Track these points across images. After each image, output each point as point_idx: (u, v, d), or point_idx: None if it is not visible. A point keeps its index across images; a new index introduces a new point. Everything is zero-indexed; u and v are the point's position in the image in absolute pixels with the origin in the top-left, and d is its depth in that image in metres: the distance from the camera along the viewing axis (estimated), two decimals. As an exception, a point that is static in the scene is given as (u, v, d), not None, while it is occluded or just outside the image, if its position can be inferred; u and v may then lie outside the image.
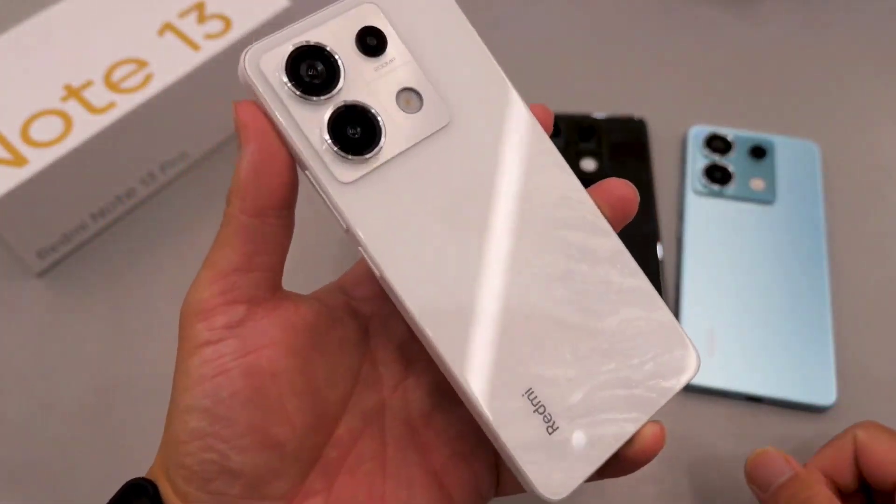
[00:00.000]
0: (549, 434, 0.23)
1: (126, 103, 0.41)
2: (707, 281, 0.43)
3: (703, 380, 0.40)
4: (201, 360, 0.23)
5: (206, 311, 0.23)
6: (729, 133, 0.48)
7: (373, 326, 0.27)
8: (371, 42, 0.24)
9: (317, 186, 0.23)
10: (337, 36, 0.23)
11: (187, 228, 0.45)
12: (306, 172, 0.23)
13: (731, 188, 0.46)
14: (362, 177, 0.23)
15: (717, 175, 0.46)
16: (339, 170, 0.23)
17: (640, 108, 0.50)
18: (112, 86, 0.42)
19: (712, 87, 0.53)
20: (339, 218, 0.23)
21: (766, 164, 0.47)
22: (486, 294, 0.24)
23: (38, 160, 0.39)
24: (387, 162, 0.23)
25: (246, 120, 0.22)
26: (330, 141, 0.23)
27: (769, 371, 0.40)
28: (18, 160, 0.39)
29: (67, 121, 0.41)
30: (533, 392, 0.24)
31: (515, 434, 0.23)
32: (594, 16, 0.57)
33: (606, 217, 0.26)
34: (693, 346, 0.26)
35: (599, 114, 0.50)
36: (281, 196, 0.23)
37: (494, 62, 0.26)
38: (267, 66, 0.22)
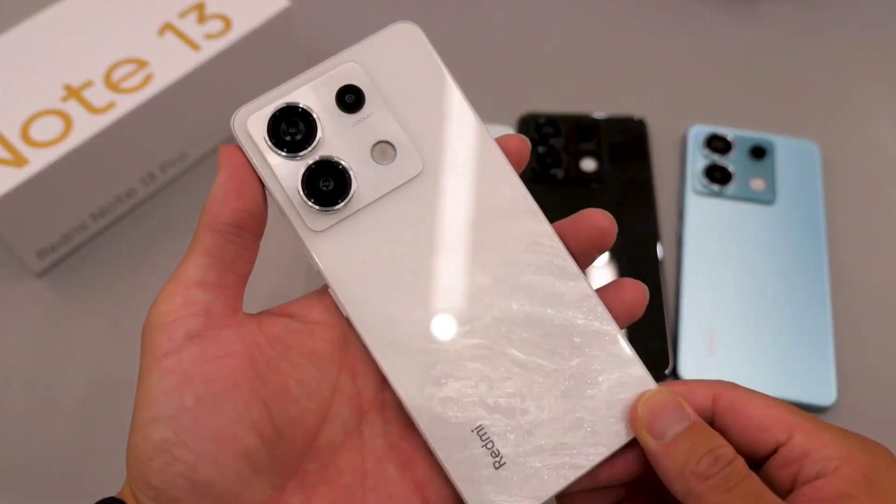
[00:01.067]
0: (496, 469, 0.25)
1: (126, 103, 0.41)
2: (707, 281, 0.43)
3: (703, 380, 0.40)
4: (162, 371, 0.23)
5: (166, 324, 0.24)
6: (729, 133, 0.48)
7: (352, 337, 0.27)
8: (349, 100, 0.26)
9: (293, 231, 0.25)
10: (318, 94, 0.26)
11: (187, 228, 0.45)
12: (285, 220, 0.25)
13: (731, 188, 0.46)
14: (332, 226, 0.25)
15: (717, 175, 0.46)
16: (311, 220, 0.25)
17: (640, 108, 0.50)
18: (112, 86, 0.42)
19: (712, 87, 0.53)
20: (310, 260, 0.26)
21: (766, 164, 0.47)
22: (444, 335, 0.26)
23: (38, 160, 0.39)
24: (356, 212, 0.25)
25: (225, 156, 0.25)
26: (303, 195, 0.25)
27: (769, 371, 0.40)
28: (18, 160, 0.39)
29: (67, 121, 0.41)
30: (483, 429, 0.25)
31: (462, 467, 0.25)
32: (594, 16, 0.57)
33: (581, 251, 0.27)
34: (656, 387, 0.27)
35: (599, 114, 0.50)
36: (242, 218, 0.25)
37: (469, 109, 0.27)
38: (253, 127, 0.25)
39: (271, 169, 0.25)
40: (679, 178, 0.48)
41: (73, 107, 0.41)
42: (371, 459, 0.26)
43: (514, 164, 0.27)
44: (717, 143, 0.48)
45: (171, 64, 0.43)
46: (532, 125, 0.49)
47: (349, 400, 0.26)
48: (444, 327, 0.26)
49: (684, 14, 0.57)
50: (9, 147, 0.40)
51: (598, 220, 0.27)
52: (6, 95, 0.42)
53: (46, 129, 0.40)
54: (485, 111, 0.52)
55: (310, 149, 0.25)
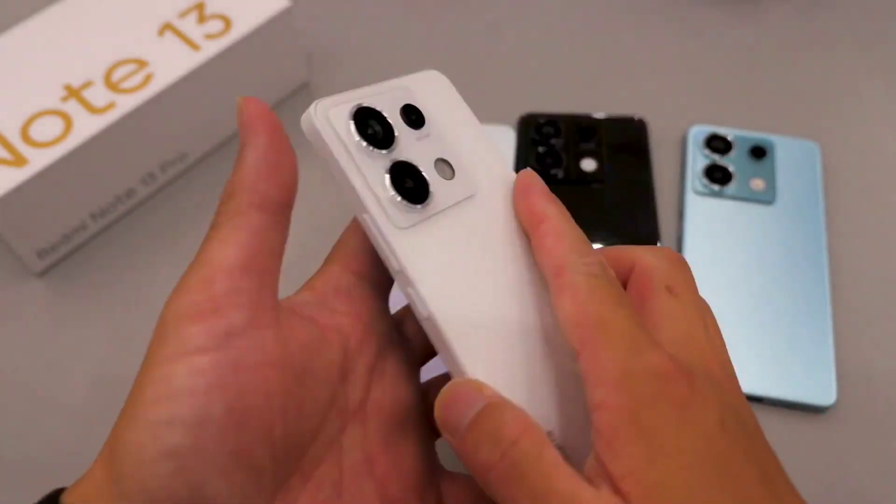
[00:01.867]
0: None
1: (126, 103, 0.41)
2: (707, 281, 0.43)
3: (703, 380, 0.40)
4: (193, 369, 0.20)
5: (203, 314, 0.21)
6: (729, 133, 0.48)
7: (350, 346, 0.25)
8: (413, 116, 0.27)
9: (373, 228, 0.25)
10: (387, 105, 0.26)
11: (187, 228, 0.45)
12: (363, 216, 0.25)
13: (731, 188, 0.46)
14: (415, 224, 0.25)
15: (717, 175, 0.47)
16: (396, 216, 0.25)
17: (640, 108, 0.50)
18: (112, 86, 0.42)
19: (712, 87, 0.53)
20: (390, 258, 0.25)
21: (766, 164, 0.47)
22: (515, 341, 0.26)
23: (38, 160, 0.39)
24: (435, 214, 0.26)
25: (254, 115, 0.22)
26: (392, 189, 0.25)
27: (769, 371, 0.40)
28: (18, 160, 0.39)
29: (67, 121, 0.41)
30: (552, 435, 0.24)
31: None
32: (594, 16, 0.57)
33: None
34: None
35: (599, 114, 0.50)
36: (290, 195, 0.23)
37: (494, 146, 0.29)
38: (336, 118, 0.25)
39: (355, 162, 0.25)
40: (679, 178, 0.48)
41: (73, 107, 0.41)
42: (348, 474, 0.25)
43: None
44: (717, 143, 0.48)
45: (171, 64, 0.43)
46: (532, 125, 0.49)
47: (338, 413, 0.25)
48: (517, 333, 0.26)
49: (684, 14, 0.57)
50: (9, 147, 0.40)
51: None
52: (6, 95, 0.42)
53: (46, 129, 0.40)
54: (486, 111, 0.52)
55: (391, 149, 0.25)
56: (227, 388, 0.21)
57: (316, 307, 0.25)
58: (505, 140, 0.48)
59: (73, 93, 0.42)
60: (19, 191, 0.39)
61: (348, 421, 0.25)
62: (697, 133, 0.48)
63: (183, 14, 0.45)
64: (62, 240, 0.43)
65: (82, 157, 0.41)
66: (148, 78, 0.42)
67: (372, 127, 0.25)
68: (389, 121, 0.26)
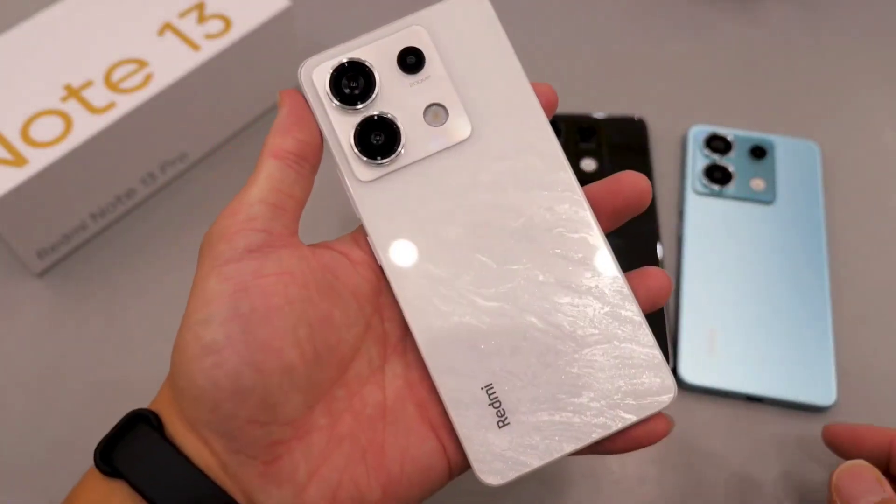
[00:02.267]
0: (499, 428, 0.26)
1: (126, 103, 0.41)
2: (707, 281, 0.43)
3: (703, 380, 0.40)
4: (221, 277, 0.24)
5: (228, 235, 0.25)
6: (729, 133, 0.48)
7: (384, 283, 0.28)
8: (410, 61, 0.28)
9: (343, 182, 0.27)
10: (381, 53, 0.28)
11: (187, 228, 0.45)
12: (336, 170, 0.27)
13: (731, 188, 0.46)
14: (378, 178, 0.27)
15: (717, 175, 0.47)
16: (360, 170, 0.27)
17: (640, 108, 0.51)
18: (112, 86, 0.42)
19: (712, 87, 0.53)
20: (354, 209, 0.27)
21: (766, 164, 0.47)
22: (469, 294, 0.27)
23: (38, 160, 0.39)
24: (402, 168, 0.27)
25: (286, 96, 0.27)
26: (353, 144, 0.27)
27: (769, 371, 0.40)
28: (18, 160, 0.39)
29: (67, 121, 0.41)
30: (493, 388, 0.26)
31: (466, 420, 0.26)
32: (594, 16, 0.57)
33: (616, 213, 0.28)
34: (671, 378, 0.27)
35: (599, 114, 0.50)
36: (303, 148, 0.27)
37: (526, 80, 0.28)
38: (317, 78, 0.27)
39: (329, 120, 0.27)
40: (679, 178, 0.48)
41: (73, 107, 0.41)
42: (392, 397, 0.27)
43: (548, 113, 0.29)
44: (717, 143, 0.48)
45: (171, 64, 0.43)
46: None
47: (377, 339, 0.28)
48: (469, 287, 0.27)
49: (684, 14, 0.57)
50: (9, 147, 0.40)
51: (637, 181, 0.28)
52: (6, 95, 0.42)
53: (46, 129, 0.40)
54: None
55: (367, 103, 0.27)
56: (248, 290, 0.24)
57: (348, 245, 0.28)
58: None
59: (73, 93, 0.42)
60: (19, 191, 0.39)
61: (390, 353, 0.28)
62: (697, 133, 0.48)
63: (183, 14, 0.45)
64: (62, 240, 0.43)
65: (82, 157, 0.41)
66: (148, 78, 0.42)
67: (354, 81, 0.27)
68: (375, 72, 0.27)
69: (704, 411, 0.40)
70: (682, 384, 0.40)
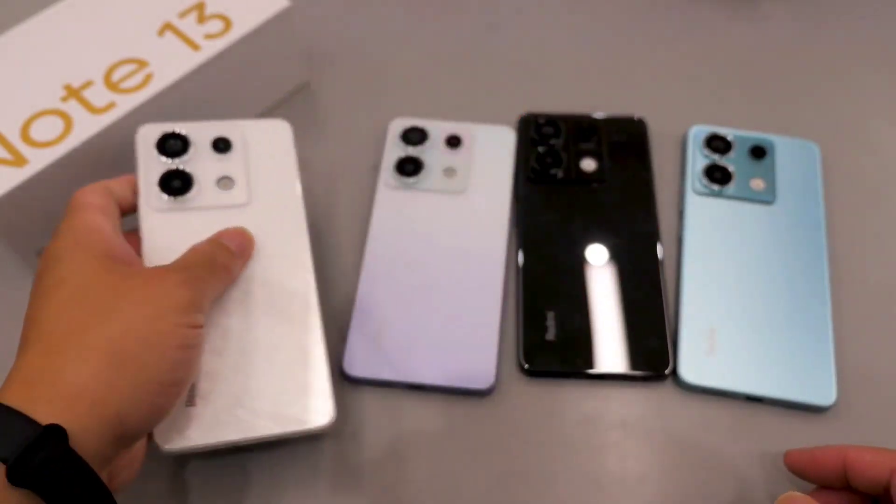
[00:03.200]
0: (185, 406, 0.33)
1: (126, 103, 0.42)
2: (707, 281, 0.43)
3: (703, 380, 0.40)
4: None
5: None
6: (729, 133, 0.49)
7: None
8: (221, 144, 0.40)
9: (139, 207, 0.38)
10: (202, 133, 0.40)
11: None
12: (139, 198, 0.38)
13: (731, 188, 0.46)
14: (169, 210, 0.38)
15: (717, 175, 0.47)
16: (154, 200, 0.38)
17: (640, 108, 0.51)
18: (112, 86, 0.42)
19: (712, 87, 0.53)
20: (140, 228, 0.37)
21: (766, 164, 0.47)
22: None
23: (38, 160, 0.40)
24: (194, 208, 0.38)
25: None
26: (157, 182, 0.38)
27: (769, 371, 0.40)
28: (18, 160, 0.40)
29: (67, 121, 0.41)
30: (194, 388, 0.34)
31: None
32: (594, 16, 0.57)
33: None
34: (332, 405, 0.35)
35: (599, 114, 0.50)
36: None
37: (298, 189, 0.40)
38: (150, 133, 0.40)
39: (147, 164, 0.39)
40: (679, 178, 0.48)
41: (73, 107, 0.41)
42: None
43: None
44: (717, 143, 0.48)
45: (171, 64, 0.43)
46: (532, 125, 0.49)
47: None
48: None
49: (684, 14, 0.57)
50: (9, 147, 0.40)
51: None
52: (6, 95, 0.42)
53: (46, 129, 0.41)
54: (486, 111, 0.52)
55: (183, 159, 0.39)
56: None
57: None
58: (505, 140, 0.48)
59: (73, 93, 0.42)
60: (19, 191, 0.39)
61: None
62: (697, 133, 0.49)
63: (183, 14, 0.45)
64: None
65: (82, 157, 0.41)
66: (148, 78, 0.43)
67: (175, 143, 0.39)
68: (191, 142, 0.39)
69: (704, 411, 0.40)
70: (682, 384, 0.40)
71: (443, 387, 0.40)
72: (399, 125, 0.48)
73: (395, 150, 0.47)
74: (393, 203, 0.46)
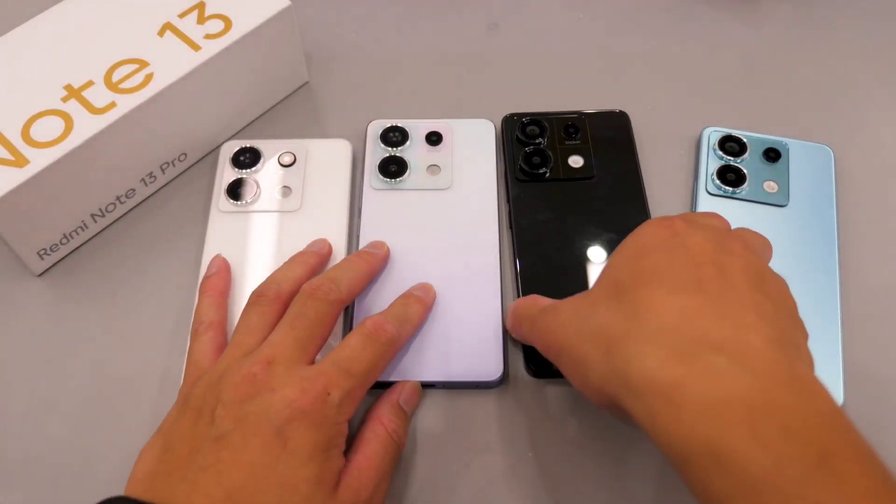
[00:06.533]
0: None
1: (126, 103, 0.43)
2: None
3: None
4: None
5: None
6: (743, 135, 0.49)
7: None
8: (285, 159, 0.48)
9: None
10: (273, 150, 0.48)
11: (187, 228, 0.47)
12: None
13: (744, 190, 0.47)
14: (231, 212, 0.46)
15: (730, 177, 0.48)
16: (221, 203, 0.46)
17: (654, 109, 0.52)
18: (112, 86, 0.43)
19: (726, 89, 0.54)
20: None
21: (780, 166, 0.48)
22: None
23: (39, 160, 0.40)
24: (254, 212, 0.46)
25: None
26: (225, 189, 0.47)
27: (775, 378, 0.41)
28: (19, 160, 0.40)
29: (68, 121, 0.42)
30: None
31: None
32: (603, 16, 0.58)
33: None
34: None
35: (581, 110, 0.51)
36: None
37: (347, 199, 0.47)
38: (227, 150, 0.49)
39: (223, 174, 0.48)
40: (692, 179, 0.49)
41: (73, 107, 0.42)
42: None
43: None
44: (730, 145, 0.49)
45: (171, 64, 0.44)
46: (516, 125, 0.50)
47: None
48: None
49: (699, 15, 0.58)
50: (9, 147, 0.41)
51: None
52: (6, 96, 0.43)
53: (47, 129, 0.41)
54: (488, 112, 0.53)
55: (252, 172, 0.48)
56: None
57: None
58: (485, 133, 0.50)
59: (73, 93, 0.43)
60: (19, 191, 0.40)
61: None
62: (711, 134, 0.49)
63: (183, 14, 0.46)
64: (62, 240, 0.45)
65: (82, 157, 0.42)
66: (148, 78, 0.44)
67: (246, 157, 0.48)
68: (262, 156, 0.48)
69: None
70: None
71: (451, 382, 0.41)
72: (377, 126, 0.50)
73: (376, 153, 0.49)
74: (380, 205, 0.47)
